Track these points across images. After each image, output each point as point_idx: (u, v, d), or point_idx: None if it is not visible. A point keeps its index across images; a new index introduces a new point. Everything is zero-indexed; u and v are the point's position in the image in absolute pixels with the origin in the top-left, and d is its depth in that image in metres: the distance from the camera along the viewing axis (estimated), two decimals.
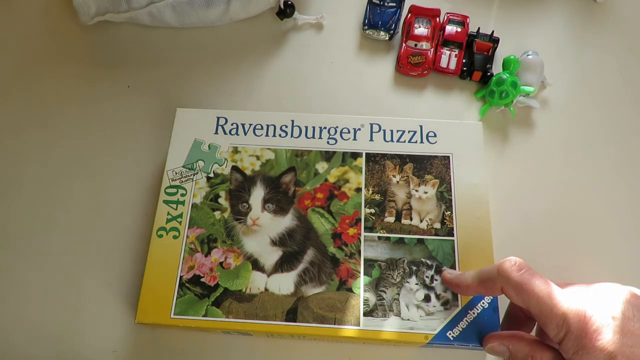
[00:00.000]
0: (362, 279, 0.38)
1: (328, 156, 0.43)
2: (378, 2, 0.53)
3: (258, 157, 0.43)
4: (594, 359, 0.27)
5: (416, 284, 0.38)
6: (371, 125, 0.44)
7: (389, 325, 0.36)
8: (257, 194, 0.41)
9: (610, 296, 0.30)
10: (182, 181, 0.42)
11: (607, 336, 0.28)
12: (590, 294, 0.30)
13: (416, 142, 0.43)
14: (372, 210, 0.41)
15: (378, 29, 0.52)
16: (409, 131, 0.44)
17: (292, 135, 0.44)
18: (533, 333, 0.36)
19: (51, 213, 0.45)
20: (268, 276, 0.39)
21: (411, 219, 0.40)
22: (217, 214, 0.41)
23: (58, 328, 0.41)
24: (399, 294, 0.37)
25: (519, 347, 0.32)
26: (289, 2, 0.52)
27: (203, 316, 0.37)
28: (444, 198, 0.41)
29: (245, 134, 0.44)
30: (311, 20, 0.53)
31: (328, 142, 0.43)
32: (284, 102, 0.50)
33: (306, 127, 0.44)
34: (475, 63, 0.49)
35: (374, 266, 0.38)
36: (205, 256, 0.39)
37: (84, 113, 0.50)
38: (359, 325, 0.36)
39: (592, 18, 0.54)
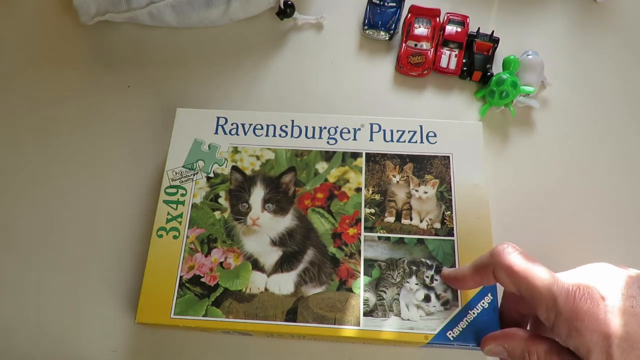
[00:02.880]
0: (362, 279, 0.38)
1: (328, 156, 0.43)
2: (378, 2, 0.53)
3: (258, 157, 0.43)
4: (588, 341, 0.26)
5: (416, 284, 0.38)
6: (371, 125, 0.44)
7: (389, 325, 0.36)
8: (257, 194, 0.41)
9: (601, 276, 0.29)
10: (182, 181, 0.42)
11: (599, 317, 0.27)
12: (581, 274, 0.30)
13: (416, 142, 0.43)
14: (372, 210, 0.41)
15: (378, 29, 0.52)
16: (409, 131, 0.44)
17: (292, 135, 0.44)
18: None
19: (51, 213, 0.45)
20: (268, 276, 0.39)
21: (411, 219, 0.40)
22: (217, 214, 0.41)
23: (58, 328, 0.41)
24: (399, 294, 0.37)
25: (514, 345, 0.32)
26: (289, 2, 0.52)
27: (203, 316, 0.37)
28: (444, 198, 0.41)
29: (245, 134, 0.44)
30: (311, 20, 0.53)
31: (328, 142, 0.43)
32: (284, 102, 0.50)
33: (306, 127, 0.44)
34: (475, 63, 0.49)
35: (374, 266, 0.38)
36: (205, 256, 0.39)
37: (84, 113, 0.50)
38: (359, 325, 0.36)
39: (592, 18, 0.54)
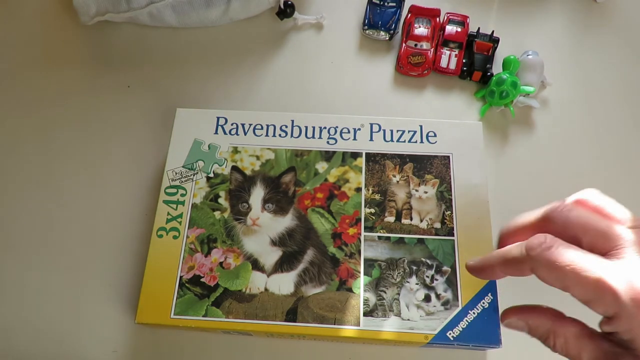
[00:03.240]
0: (362, 279, 0.38)
1: (328, 156, 0.43)
2: (378, 2, 0.53)
3: (258, 157, 0.43)
4: None
5: (416, 283, 0.38)
6: (371, 125, 0.44)
7: (389, 325, 0.36)
8: (257, 194, 0.41)
9: None
10: (182, 181, 0.42)
11: None
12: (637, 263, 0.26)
13: (416, 142, 0.43)
14: (372, 210, 0.41)
15: (378, 29, 0.52)
16: (409, 131, 0.44)
17: (292, 135, 0.44)
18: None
19: (51, 213, 0.45)
20: (268, 276, 0.39)
21: (411, 219, 0.40)
22: (217, 214, 0.41)
23: (58, 328, 0.41)
24: (399, 294, 0.37)
25: (539, 323, 0.29)
26: (289, 2, 0.52)
27: (203, 316, 0.37)
28: (444, 198, 0.41)
29: (245, 134, 0.44)
30: (311, 20, 0.53)
31: (328, 142, 0.43)
32: (284, 102, 0.50)
33: (306, 127, 0.44)
34: (475, 63, 0.49)
35: (374, 266, 0.38)
36: (205, 256, 0.39)
37: (84, 113, 0.50)
38: (359, 325, 0.36)
39: (592, 18, 0.54)
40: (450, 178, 0.42)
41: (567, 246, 0.27)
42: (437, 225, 0.40)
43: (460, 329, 0.36)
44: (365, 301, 0.37)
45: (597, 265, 0.26)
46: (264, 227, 0.40)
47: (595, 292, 0.25)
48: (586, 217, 0.28)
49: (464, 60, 0.50)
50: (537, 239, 0.28)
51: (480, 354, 0.36)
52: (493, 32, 0.50)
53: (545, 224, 0.29)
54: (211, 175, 0.42)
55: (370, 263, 0.39)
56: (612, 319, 0.26)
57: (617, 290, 0.25)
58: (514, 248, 0.30)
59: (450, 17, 0.51)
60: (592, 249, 0.28)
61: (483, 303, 0.37)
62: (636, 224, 0.28)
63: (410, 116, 0.47)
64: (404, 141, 0.43)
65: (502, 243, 0.34)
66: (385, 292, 0.38)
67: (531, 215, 0.31)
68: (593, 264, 0.26)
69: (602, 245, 0.27)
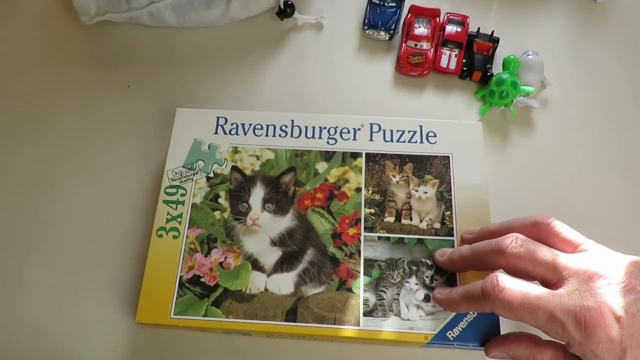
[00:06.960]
0: (362, 279, 0.38)
1: (328, 156, 0.43)
2: (378, 2, 0.53)
3: (258, 157, 0.43)
4: None
5: (416, 284, 0.38)
6: (371, 125, 0.44)
7: (389, 325, 0.36)
8: (257, 194, 0.41)
9: (612, 291, 0.28)
10: (182, 181, 0.42)
11: (614, 340, 0.27)
12: (587, 289, 0.29)
13: (416, 142, 0.43)
14: (372, 210, 0.41)
15: (378, 29, 0.52)
16: (408, 131, 0.44)
17: (292, 135, 0.44)
18: None
19: (51, 213, 0.45)
20: (268, 276, 0.39)
21: (411, 219, 0.40)
22: (217, 214, 0.41)
23: (58, 328, 0.41)
24: (398, 294, 0.37)
25: (519, 352, 0.32)
26: (289, 2, 0.52)
27: (203, 316, 0.37)
28: (444, 198, 0.41)
29: (245, 134, 0.44)
30: (311, 20, 0.53)
31: (328, 142, 0.43)
32: (284, 102, 0.50)
33: (306, 127, 0.44)
34: (475, 63, 0.49)
35: (374, 266, 0.38)
36: (205, 256, 0.39)
37: (84, 113, 0.50)
38: (358, 325, 0.36)
39: (592, 18, 0.54)
40: (450, 178, 0.42)
41: (517, 285, 0.30)
42: (437, 225, 0.40)
43: (460, 329, 0.36)
44: (365, 301, 0.37)
45: (545, 300, 0.28)
46: (264, 227, 0.40)
47: (546, 325, 0.29)
48: (534, 252, 0.31)
49: (464, 60, 0.50)
50: (490, 281, 0.31)
51: (480, 354, 0.36)
52: (493, 32, 0.50)
53: (504, 256, 0.32)
54: (211, 175, 0.42)
55: (370, 263, 0.39)
56: (568, 345, 0.29)
57: (565, 323, 0.28)
58: (473, 289, 0.32)
59: (450, 17, 0.51)
60: (543, 281, 0.31)
61: None
62: (583, 248, 0.32)
63: (410, 116, 0.47)
64: (404, 141, 0.43)
65: (463, 242, 0.38)
66: (385, 292, 0.38)
67: (491, 243, 0.33)
68: (542, 300, 0.29)
69: (551, 277, 0.30)
